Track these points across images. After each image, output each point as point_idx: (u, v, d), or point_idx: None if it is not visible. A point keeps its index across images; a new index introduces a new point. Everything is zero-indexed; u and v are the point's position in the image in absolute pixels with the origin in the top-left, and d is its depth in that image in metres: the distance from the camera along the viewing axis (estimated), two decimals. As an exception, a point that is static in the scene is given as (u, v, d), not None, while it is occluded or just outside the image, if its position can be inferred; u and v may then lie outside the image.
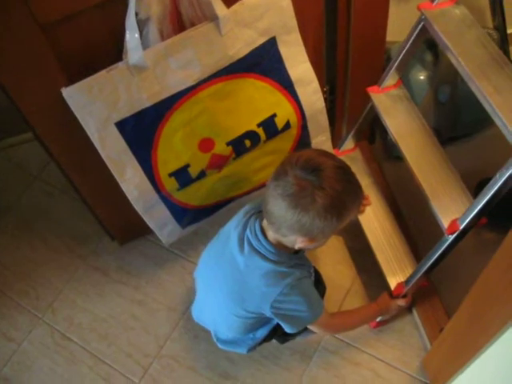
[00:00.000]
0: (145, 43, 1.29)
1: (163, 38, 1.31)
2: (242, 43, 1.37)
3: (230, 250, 1.39)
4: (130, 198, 1.51)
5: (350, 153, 1.85)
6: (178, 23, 1.34)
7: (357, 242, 1.83)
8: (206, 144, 1.50)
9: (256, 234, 1.33)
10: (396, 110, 1.55)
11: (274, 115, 1.53)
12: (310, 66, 1.52)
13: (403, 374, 1.64)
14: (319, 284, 1.59)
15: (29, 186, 2.17)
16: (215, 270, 1.49)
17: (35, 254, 2.01)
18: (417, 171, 1.42)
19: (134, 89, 1.31)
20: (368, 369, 1.66)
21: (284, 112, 1.55)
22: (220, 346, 1.61)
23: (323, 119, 1.65)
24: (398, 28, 1.56)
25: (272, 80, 1.48)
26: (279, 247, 1.32)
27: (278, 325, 1.45)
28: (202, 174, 1.55)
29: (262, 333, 1.53)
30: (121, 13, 1.21)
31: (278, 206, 1.20)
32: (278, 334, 1.56)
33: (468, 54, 1.24)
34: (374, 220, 1.70)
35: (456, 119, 1.92)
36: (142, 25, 1.27)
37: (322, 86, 1.58)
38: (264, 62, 1.44)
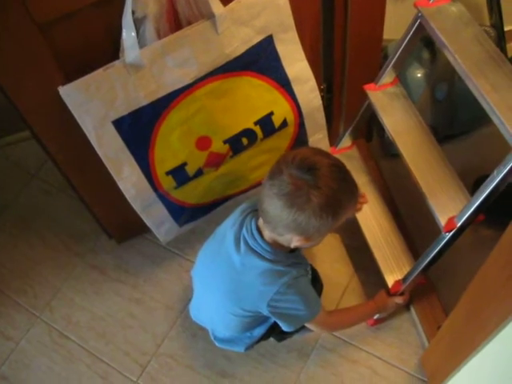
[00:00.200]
0: (141, 42, 1.29)
1: (160, 36, 1.31)
2: (238, 41, 1.37)
3: (226, 249, 1.39)
4: (127, 196, 1.51)
5: (346, 151, 1.85)
6: (175, 22, 1.34)
7: (354, 240, 1.83)
8: (203, 142, 1.50)
9: (252, 233, 1.33)
10: (393, 108, 1.55)
11: (271, 113, 1.53)
12: (307, 64, 1.52)
13: (401, 372, 1.64)
14: (316, 282, 1.59)
15: (26, 184, 2.17)
16: (212, 269, 1.49)
17: (33, 252, 2.00)
18: (414, 169, 1.42)
19: (131, 87, 1.31)
20: (366, 366, 1.66)
21: (281, 110, 1.55)
22: (218, 344, 1.61)
23: (320, 117, 1.65)
24: (395, 25, 1.57)
25: (269, 78, 1.48)
26: (275, 246, 1.32)
27: (275, 323, 1.45)
28: (199, 173, 1.55)
29: (259, 331, 1.53)
30: (117, 11, 1.21)
31: (273, 205, 1.20)
32: (275, 332, 1.56)
33: (465, 51, 1.24)
34: (372, 218, 1.70)
35: (453, 117, 1.92)
36: (138, 23, 1.27)
37: (319, 84, 1.58)
38: (261, 61, 1.44)
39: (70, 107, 1.29)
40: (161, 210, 1.61)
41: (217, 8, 1.29)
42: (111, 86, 1.29)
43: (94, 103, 1.30)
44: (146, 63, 1.29)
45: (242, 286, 1.37)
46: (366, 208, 1.70)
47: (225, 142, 1.52)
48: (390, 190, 1.85)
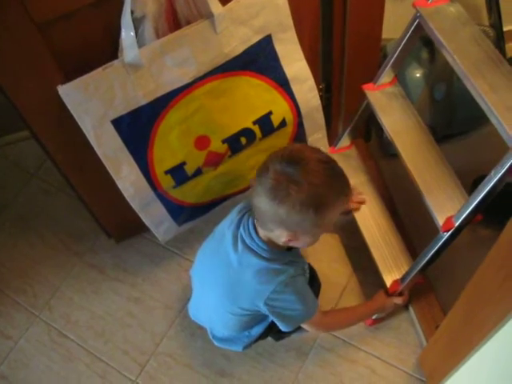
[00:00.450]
0: (140, 41, 1.29)
1: (159, 36, 1.31)
2: (237, 41, 1.38)
3: (224, 249, 1.39)
4: (126, 195, 1.51)
5: (345, 150, 1.85)
6: (174, 21, 1.34)
7: (353, 240, 1.83)
8: (201, 141, 1.50)
9: (249, 232, 1.33)
10: (391, 108, 1.55)
11: (270, 113, 1.53)
12: (306, 64, 1.52)
13: (399, 372, 1.64)
14: (314, 281, 1.60)
15: (26, 183, 2.17)
16: (210, 268, 1.49)
17: (32, 251, 2.01)
18: (412, 169, 1.42)
19: (130, 87, 1.31)
20: (364, 366, 1.66)
21: (280, 110, 1.55)
22: (216, 343, 1.61)
23: (319, 117, 1.65)
24: (394, 25, 1.57)
25: (268, 78, 1.48)
26: (271, 245, 1.32)
27: (273, 322, 1.45)
28: (198, 172, 1.55)
29: (257, 330, 1.53)
30: (116, 11, 1.22)
31: (260, 200, 1.22)
32: (273, 331, 1.56)
33: (463, 51, 1.24)
34: (370, 217, 1.71)
35: (452, 117, 1.92)
36: (137, 23, 1.27)
37: (317, 84, 1.59)
38: (260, 60, 1.44)
39: (69, 106, 1.29)
40: (159, 209, 1.61)
41: (216, 8, 1.29)
42: (110, 85, 1.29)
43: (92, 102, 1.30)
44: (144, 63, 1.30)
45: (240, 284, 1.37)
46: (364, 208, 1.71)
47: (223, 141, 1.52)
48: (389, 190, 1.85)
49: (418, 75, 1.81)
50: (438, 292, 1.68)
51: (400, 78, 1.61)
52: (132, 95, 1.33)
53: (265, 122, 1.54)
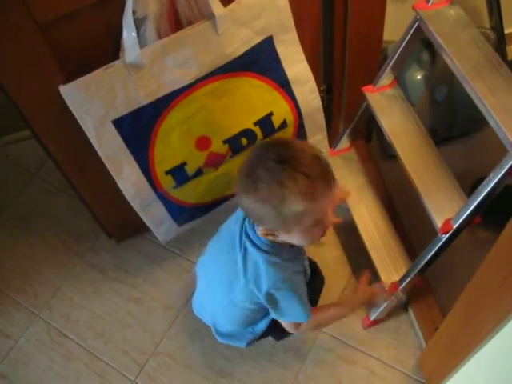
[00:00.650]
0: (142, 42, 1.29)
1: (160, 36, 1.32)
2: (238, 42, 1.38)
3: (231, 243, 1.39)
4: (126, 195, 1.51)
5: (345, 152, 1.85)
6: (175, 22, 1.34)
7: (352, 241, 1.83)
8: (202, 142, 1.50)
9: (253, 226, 1.34)
10: (391, 110, 1.56)
11: (271, 114, 1.54)
12: (307, 65, 1.52)
13: (398, 373, 1.64)
14: (316, 275, 1.61)
15: (26, 183, 2.18)
16: (217, 262, 1.50)
17: (33, 251, 2.01)
18: (411, 171, 1.43)
19: (131, 87, 1.32)
20: (363, 367, 1.66)
21: (281, 111, 1.55)
22: (219, 339, 1.60)
23: (320, 118, 1.66)
24: (396, 27, 1.57)
25: (269, 79, 1.49)
26: (271, 239, 1.32)
27: (276, 320, 1.46)
28: (198, 172, 1.55)
29: (261, 327, 1.52)
30: (118, 11, 1.22)
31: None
32: (275, 330, 1.57)
33: (462, 54, 1.25)
34: (369, 220, 1.71)
35: (452, 119, 1.92)
36: (139, 23, 1.27)
37: (318, 85, 1.59)
38: (261, 61, 1.45)
39: (71, 107, 1.29)
40: (160, 210, 1.61)
41: (217, 9, 1.29)
42: (111, 85, 1.30)
43: (94, 103, 1.30)
44: (146, 63, 1.30)
45: (242, 278, 1.37)
46: (363, 210, 1.72)
47: (224, 142, 1.52)
48: (389, 192, 1.85)
49: (418, 77, 1.81)
50: (438, 294, 1.68)
51: (400, 80, 1.61)
52: (133, 95, 1.33)
53: (266, 123, 1.55)
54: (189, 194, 1.61)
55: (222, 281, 1.46)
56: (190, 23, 1.34)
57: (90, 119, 1.33)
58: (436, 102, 1.85)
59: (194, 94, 1.40)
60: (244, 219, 1.37)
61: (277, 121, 1.56)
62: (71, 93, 1.27)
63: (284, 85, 1.51)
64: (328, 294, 1.72)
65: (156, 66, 1.32)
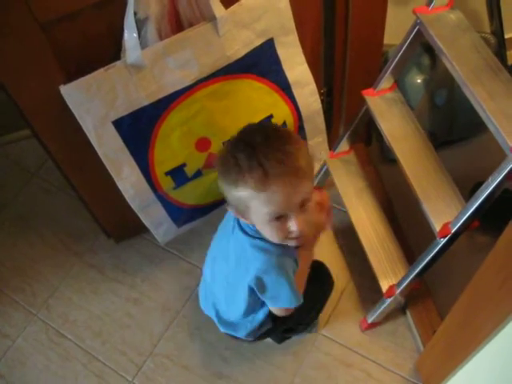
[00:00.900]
0: (143, 43, 1.30)
1: (161, 37, 1.32)
2: (239, 44, 1.38)
3: (229, 226, 1.40)
4: (126, 196, 1.52)
5: (344, 155, 1.85)
6: (177, 23, 1.35)
7: (351, 244, 1.83)
8: (202, 143, 1.50)
9: None
10: (391, 114, 1.56)
11: (271, 116, 1.54)
12: (308, 68, 1.53)
13: (396, 376, 1.64)
14: (327, 280, 1.64)
15: (26, 183, 2.18)
16: (218, 247, 1.51)
17: (31, 250, 2.01)
18: (410, 175, 1.43)
19: (132, 88, 1.32)
20: (360, 370, 1.66)
21: (281, 113, 1.55)
22: (221, 329, 1.59)
23: (320, 121, 1.66)
24: (397, 31, 1.57)
25: (269, 81, 1.49)
26: None
27: (276, 319, 1.47)
28: (198, 174, 1.56)
29: (260, 316, 1.51)
30: (119, 12, 1.22)
31: None
32: (275, 332, 1.57)
33: (462, 58, 1.25)
34: (368, 223, 1.71)
35: (452, 123, 1.93)
36: (140, 24, 1.28)
37: (319, 88, 1.59)
38: (261, 63, 1.45)
39: (71, 106, 1.30)
40: (159, 211, 1.61)
41: (218, 10, 1.30)
42: (112, 86, 1.30)
43: (94, 103, 1.31)
44: (147, 64, 1.30)
45: (235, 261, 1.39)
46: (362, 213, 1.72)
47: (224, 143, 1.52)
48: (388, 195, 1.85)
49: (418, 81, 1.81)
50: (436, 297, 1.69)
51: (400, 83, 1.61)
52: (134, 96, 1.34)
53: (266, 125, 1.55)
54: (188, 195, 1.61)
55: (221, 265, 1.47)
56: (191, 24, 1.34)
57: (90, 119, 1.33)
58: (436, 106, 1.85)
59: (194, 95, 1.40)
60: None
61: (277, 123, 1.56)
62: (72, 93, 1.28)
63: (284, 87, 1.52)
64: (326, 297, 1.72)
65: (157, 67, 1.32)
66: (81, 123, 1.33)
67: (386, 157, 1.98)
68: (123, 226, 1.90)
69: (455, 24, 1.31)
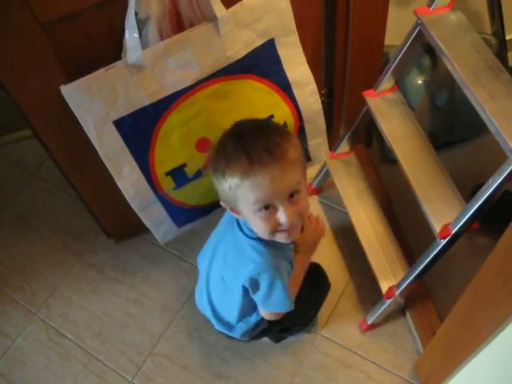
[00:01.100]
0: (144, 43, 1.29)
1: (162, 37, 1.32)
2: (240, 44, 1.38)
3: (226, 224, 1.42)
4: (126, 196, 1.51)
5: (344, 156, 1.85)
6: (177, 23, 1.34)
7: (351, 245, 1.84)
8: (203, 144, 1.50)
9: None
10: (391, 114, 1.56)
11: (272, 116, 1.53)
12: (308, 68, 1.52)
13: (395, 377, 1.64)
14: (323, 282, 1.64)
15: (26, 182, 2.18)
16: (214, 244, 1.52)
17: (31, 250, 2.01)
18: (410, 175, 1.43)
19: (133, 88, 1.32)
20: (360, 371, 1.66)
21: (281, 113, 1.55)
22: (217, 327, 1.59)
23: (320, 122, 1.66)
24: (398, 32, 1.57)
25: (270, 81, 1.49)
26: None
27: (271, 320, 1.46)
28: (198, 174, 1.55)
29: (255, 318, 1.51)
30: (120, 12, 1.22)
31: None
32: (271, 332, 1.57)
33: (463, 59, 1.25)
34: (368, 224, 1.71)
35: (453, 124, 1.93)
36: (141, 24, 1.28)
37: (319, 89, 1.59)
38: (262, 64, 1.45)
39: (72, 106, 1.29)
40: (159, 211, 1.61)
41: (219, 10, 1.29)
42: (113, 86, 1.30)
43: (95, 103, 1.30)
44: (148, 64, 1.30)
45: (231, 260, 1.39)
46: (362, 214, 1.72)
47: (225, 144, 1.52)
48: (389, 196, 1.85)
49: (419, 82, 1.81)
50: (435, 298, 1.69)
51: (401, 84, 1.61)
52: (134, 96, 1.34)
53: (266, 126, 1.55)
54: (188, 195, 1.61)
55: (218, 263, 1.48)
56: (191, 25, 1.34)
57: (90, 119, 1.33)
58: (436, 107, 1.85)
59: (195, 95, 1.40)
60: None
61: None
62: (72, 93, 1.27)
63: (285, 87, 1.52)
64: (326, 299, 1.72)
65: (158, 67, 1.32)
66: (82, 123, 1.33)
67: (387, 158, 1.98)
68: (123, 226, 1.90)
69: (456, 25, 1.31)
